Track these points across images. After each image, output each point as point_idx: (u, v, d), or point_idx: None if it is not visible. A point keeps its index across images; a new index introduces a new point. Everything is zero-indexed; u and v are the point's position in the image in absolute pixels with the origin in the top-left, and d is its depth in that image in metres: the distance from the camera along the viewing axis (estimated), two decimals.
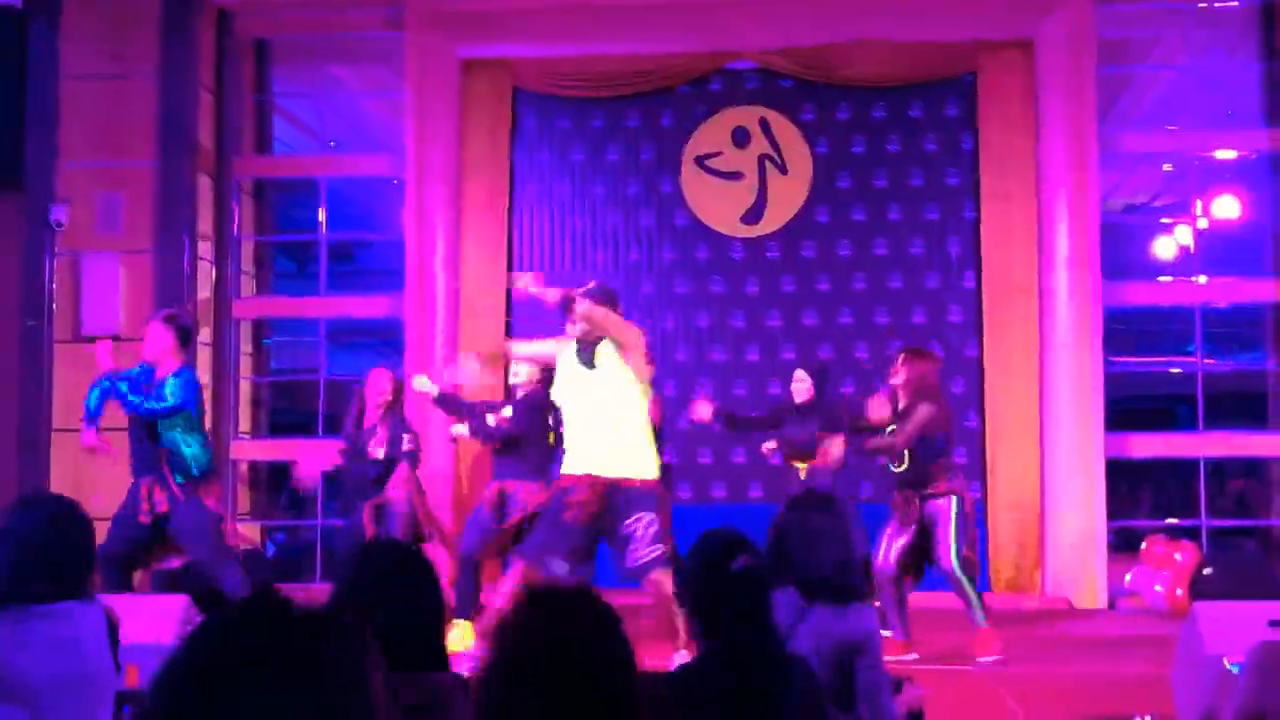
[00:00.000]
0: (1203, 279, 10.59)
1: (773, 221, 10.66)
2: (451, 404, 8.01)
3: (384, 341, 14.94)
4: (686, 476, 10.29)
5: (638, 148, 10.84)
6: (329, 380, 11.01)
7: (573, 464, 6.07)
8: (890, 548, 7.36)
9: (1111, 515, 10.02)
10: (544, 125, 10.94)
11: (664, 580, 5.71)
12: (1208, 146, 10.87)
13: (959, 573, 7.19)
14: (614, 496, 5.94)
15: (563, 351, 6.23)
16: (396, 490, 7.76)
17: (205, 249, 10.57)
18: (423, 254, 10.48)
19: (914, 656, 7.07)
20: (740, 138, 10.73)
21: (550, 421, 7.56)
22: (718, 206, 10.71)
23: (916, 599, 7.57)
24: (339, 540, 8.59)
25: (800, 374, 8.16)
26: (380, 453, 7.77)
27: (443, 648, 2.72)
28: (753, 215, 10.69)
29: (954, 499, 7.28)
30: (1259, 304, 10.73)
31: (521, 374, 7.90)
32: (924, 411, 7.24)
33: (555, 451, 7.10)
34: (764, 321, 10.56)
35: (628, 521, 5.89)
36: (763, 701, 2.97)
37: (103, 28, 10.24)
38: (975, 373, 10.24)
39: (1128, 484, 12.70)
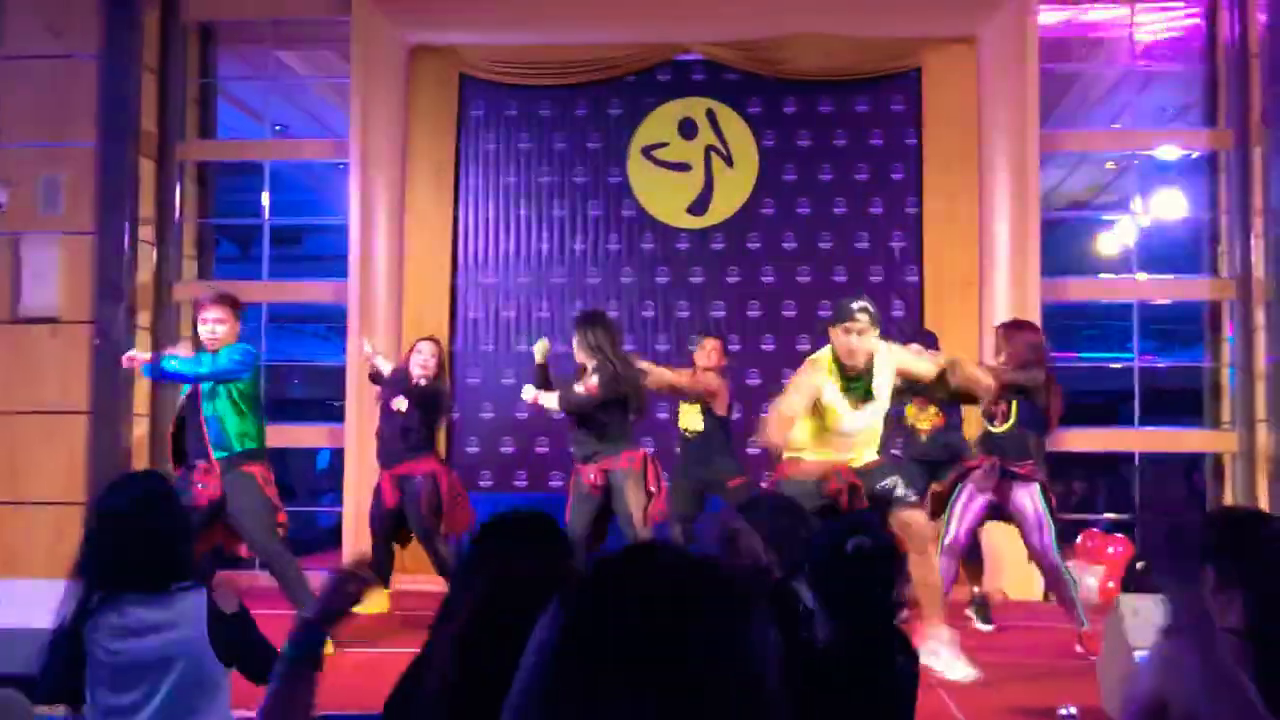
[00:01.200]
0: (1142, 276, 10.72)
1: (719, 213, 10.69)
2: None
3: (329, 327, 14.88)
4: (489, 465, 10.48)
5: (585, 137, 10.85)
6: (270, 365, 10.94)
7: None
8: (965, 518, 7.38)
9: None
10: (491, 113, 10.92)
11: None
12: (1149, 145, 11.00)
13: (1062, 564, 7.21)
14: None
15: None
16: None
17: (146, 232, 10.48)
18: (366, 239, 10.45)
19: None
20: (687, 129, 10.76)
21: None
22: (664, 197, 10.74)
23: None
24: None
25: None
26: (402, 405, 8.24)
27: None
28: (699, 206, 10.73)
29: (1039, 487, 7.32)
30: (1197, 302, 10.87)
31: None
32: (1036, 374, 7.30)
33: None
34: (708, 312, 10.60)
35: None
36: (876, 685, 3.00)
37: (45, 7, 10.13)
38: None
39: (1067, 478, 12.82)
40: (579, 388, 7.59)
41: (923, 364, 6.57)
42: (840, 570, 3.06)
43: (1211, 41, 10.67)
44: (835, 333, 6.28)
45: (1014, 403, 7.31)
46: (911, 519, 6.18)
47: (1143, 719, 2.56)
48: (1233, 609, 2.65)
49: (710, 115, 10.75)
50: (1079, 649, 7.12)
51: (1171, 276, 10.90)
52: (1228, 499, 10.24)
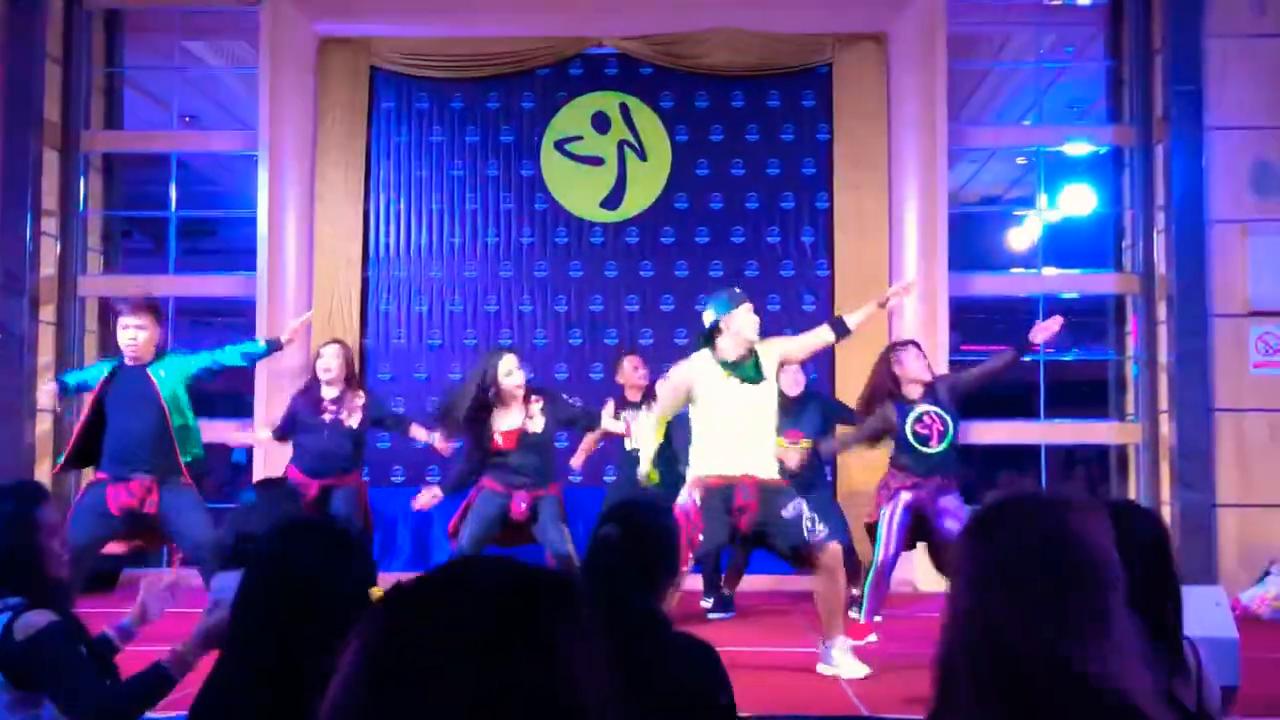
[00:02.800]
0: (1048, 271, 10.87)
1: (632, 207, 10.70)
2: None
3: (237, 322, 14.69)
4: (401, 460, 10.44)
5: (497, 130, 10.80)
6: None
7: None
8: (898, 533, 7.31)
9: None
10: (402, 105, 10.85)
11: None
12: (1054, 141, 11.15)
13: None
14: None
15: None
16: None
17: (50, 224, 10.29)
18: (275, 232, 10.34)
19: (874, 638, 7.10)
20: (600, 123, 10.76)
21: None
22: (578, 191, 10.73)
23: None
24: None
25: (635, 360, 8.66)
26: (355, 421, 8.06)
27: None
28: (612, 200, 10.73)
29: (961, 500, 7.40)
30: (1103, 296, 11.06)
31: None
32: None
33: None
34: (622, 306, 10.61)
35: None
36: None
37: None
38: (827, 360, 10.37)
39: (977, 471, 12.99)
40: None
41: (790, 343, 6.61)
42: (594, 558, 3.14)
43: (1116, 38, 10.85)
44: (740, 315, 6.27)
45: (951, 422, 7.33)
46: (829, 554, 6.16)
47: None
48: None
49: (623, 109, 10.75)
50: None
51: (1077, 271, 11.06)
52: (1132, 489, 10.43)
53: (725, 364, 6.27)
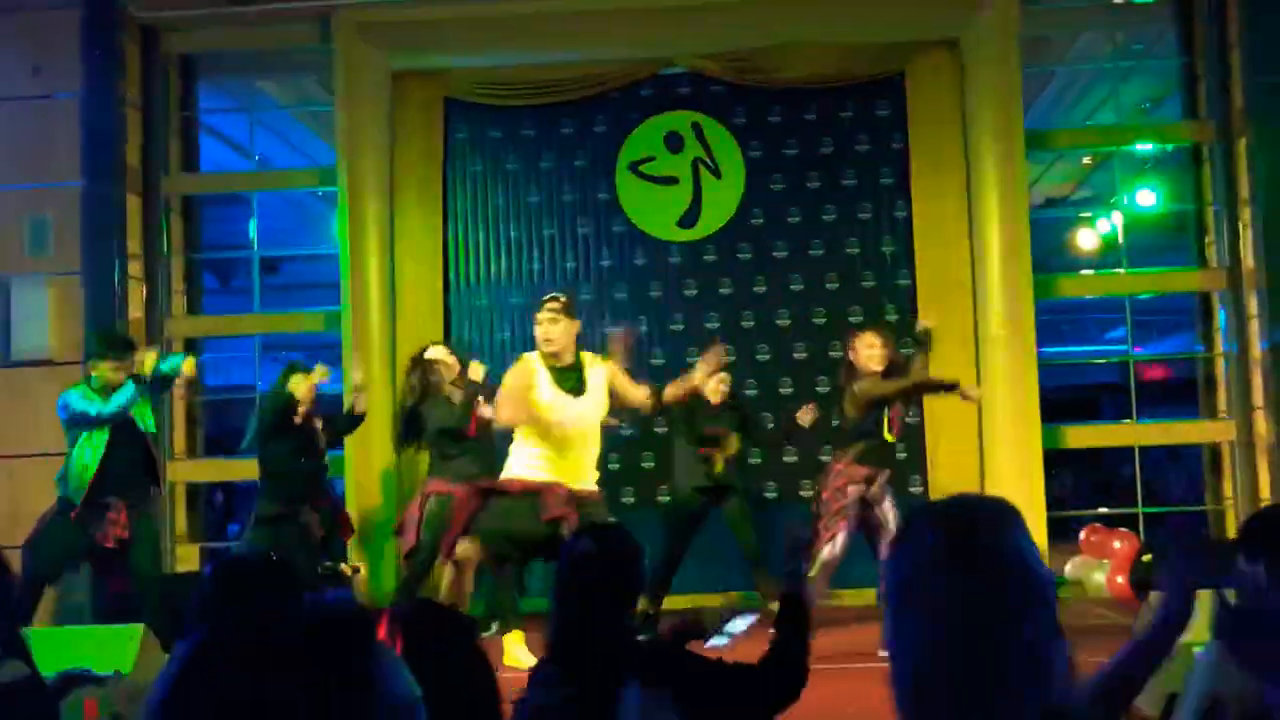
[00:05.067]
0: (1130, 271, 10.80)
1: (709, 225, 10.71)
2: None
3: (316, 355, 14.78)
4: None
5: (572, 155, 10.84)
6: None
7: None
8: (842, 538, 7.31)
9: (1049, 505, 10.17)
10: (476, 134, 10.91)
11: None
12: (1130, 140, 11.09)
13: None
14: None
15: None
16: None
17: (135, 269, 10.41)
18: (357, 267, 10.39)
19: None
20: (674, 142, 10.78)
21: None
22: (654, 212, 10.75)
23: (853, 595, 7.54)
24: None
25: (724, 376, 8.63)
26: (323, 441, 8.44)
27: None
28: (688, 219, 10.74)
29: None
30: (1181, 294, 10.98)
31: None
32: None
33: None
34: (703, 324, 10.60)
35: None
36: None
37: (24, 48, 10.05)
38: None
39: (1058, 473, 12.92)
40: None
41: (636, 391, 6.60)
42: (570, 575, 3.17)
43: (1187, 35, 10.77)
44: (537, 319, 6.45)
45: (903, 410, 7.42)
46: None
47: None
48: None
49: (696, 128, 10.77)
50: None
51: (1160, 269, 10.97)
52: (1227, 489, 10.32)
53: (552, 368, 6.31)
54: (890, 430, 7.41)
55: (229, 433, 11.56)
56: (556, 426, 6.23)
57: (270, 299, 12.47)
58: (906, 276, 10.53)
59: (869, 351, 7.51)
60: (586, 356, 6.41)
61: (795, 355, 10.52)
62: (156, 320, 10.59)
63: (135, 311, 10.39)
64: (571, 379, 6.25)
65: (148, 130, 10.63)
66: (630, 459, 10.32)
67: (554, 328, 6.25)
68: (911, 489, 10.27)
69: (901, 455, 10.18)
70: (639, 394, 6.58)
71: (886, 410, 7.43)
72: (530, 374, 6.34)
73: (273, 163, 12.31)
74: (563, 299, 6.45)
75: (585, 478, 6.29)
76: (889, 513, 7.34)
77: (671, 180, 10.76)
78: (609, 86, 10.75)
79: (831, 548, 7.27)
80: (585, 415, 6.27)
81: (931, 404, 10.25)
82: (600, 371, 6.37)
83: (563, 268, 10.75)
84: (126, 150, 10.30)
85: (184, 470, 10.88)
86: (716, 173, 10.73)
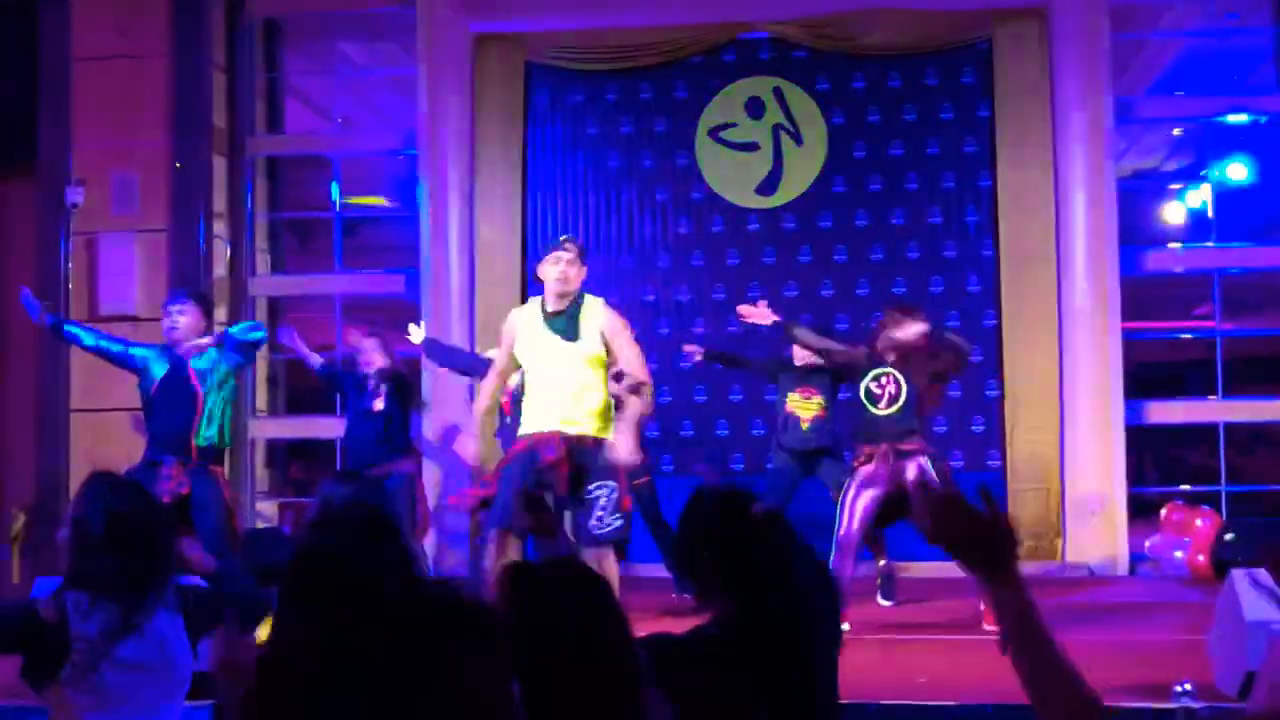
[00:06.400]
0: (1219, 244, 10.57)
1: (788, 193, 10.63)
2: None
3: (397, 317, 14.88)
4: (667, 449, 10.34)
5: (652, 120, 10.80)
6: (345, 356, 10.99)
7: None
8: (857, 511, 7.11)
9: (1130, 481, 10.03)
10: (557, 99, 10.90)
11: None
12: (1219, 111, 10.84)
13: None
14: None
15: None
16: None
17: (220, 227, 10.56)
18: (437, 231, 10.45)
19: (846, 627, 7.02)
20: (754, 109, 10.70)
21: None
22: (733, 178, 10.69)
23: (918, 568, 7.46)
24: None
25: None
26: (379, 404, 8.28)
27: None
28: (768, 186, 10.66)
29: (928, 458, 7.15)
30: (1272, 269, 10.73)
31: None
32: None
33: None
34: (781, 293, 10.50)
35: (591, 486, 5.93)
36: (795, 654, 2.93)
37: (113, 9, 10.20)
38: (994, 341, 10.22)
39: (1145, 449, 12.71)
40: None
41: (630, 347, 6.13)
42: (740, 539, 2.95)
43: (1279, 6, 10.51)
44: (545, 268, 6.08)
45: (904, 384, 7.18)
46: (602, 562, 5.66)
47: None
48: None
49: (778, 94, 10.67)
50: (987, 626, 6.85)
51: (1251, 244, 10.73)
52: None
53: (545, 314, 6.08)
54: (876, 404, 7.25)
55: (309, 392, 11.72)
56: (542, 369, 6.06)
57: (351, 260, 12.56)
58: (990, 247, 10.38)
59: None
60: (588, 302, 6.11)
61: (874, 325, 10.40)
62: (240, 279, 10.73)
63: (219, 270, 10.54)
64: (562, 322, 6.12)
65: (233, 91, 10.75)
66: (668, 426, 10.30)
67: (572, 269, 6.03)
68: (990, 463, 10.18)
69: (979, 430, 10.17)
70: (628, 362, 6.17)
71: (866, 382, 7.25)
72: (521, 317, 6.18)
73: (357, 125, 12.38)
74: (579, 244, 6.31)
75: (580, 423, 6.13)
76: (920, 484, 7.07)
77: (752, 146, 10.68)
78: (690, 51, 10.69)
79: (841, 527, 7.15)
80: (574, 357, 6.01)
81: (1012, 377, 10.15)
82: (598, 318, 6.16)
83: (640, 234, 10.73)
84: (212, 110, 10.43)
85: (265, 428, 11.04)
86: (798, 139, 10.64)
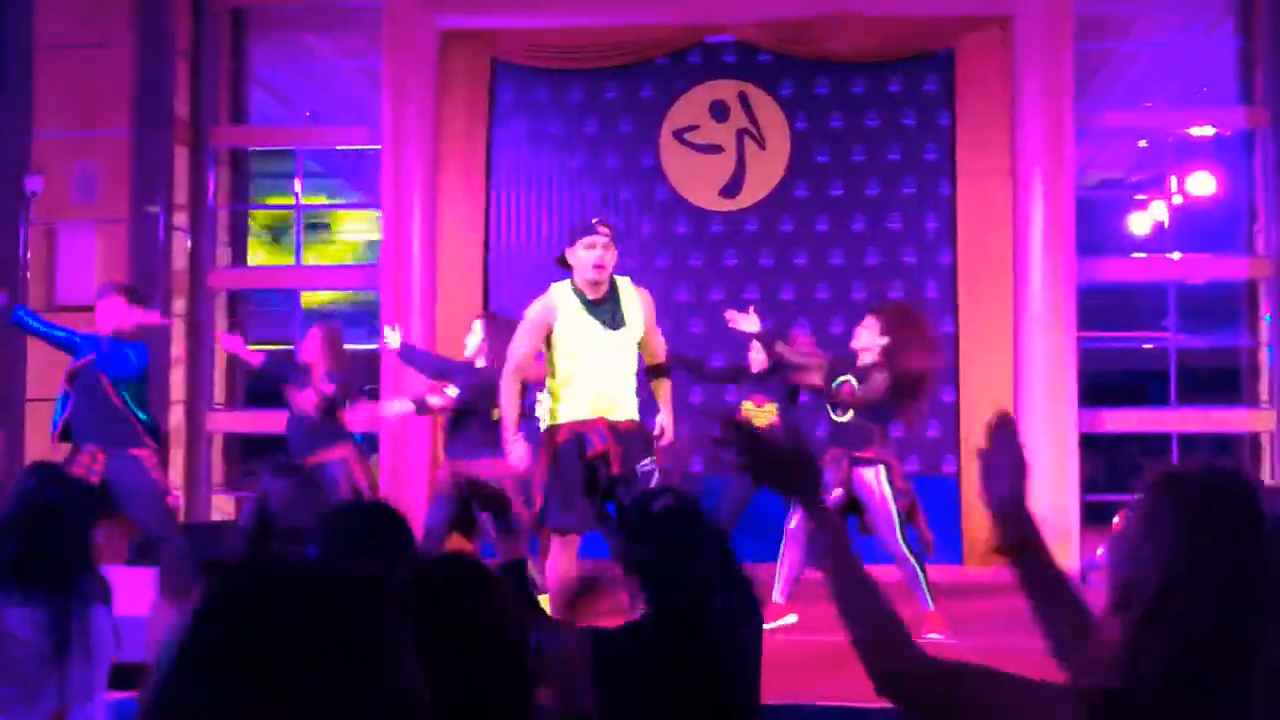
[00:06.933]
0: (1177, 255, 10.66)
1: (751, 195, 10.66)
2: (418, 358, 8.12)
3: (360, 311, 14.88)
4: None
5: (616, 120, 10.82)
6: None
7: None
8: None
9: (1083, 489, 10.10)
10: (521, 97, 10.91)
11: None
12: (1184, 123, 10.93)
13: (907, 551, 7.13)
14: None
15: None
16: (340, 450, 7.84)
17: (181, 219, 10.52)
18: (399, 225, 10.45)
19: (793, 619, 7.12)
20: (719, 111, 10.73)
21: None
22: (696, 180, 10.72)
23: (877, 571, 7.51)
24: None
25: (756, 345, 8.37)
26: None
27: None
28: (731, 189, 10.70)
29: (883, 468, 7.17)
30: (1233, 281, 10.83)
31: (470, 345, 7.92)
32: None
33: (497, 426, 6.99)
34: (742, 295, 10.53)
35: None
36: (700, 650, 2.99)
37: None
38: (950, 348, 10.25)
39: (1099, 458, 12.80)
40: (433, 399, 7.56)
41: (657, 331, 6.15)
42: (650, 536, 3.06)
43: (1246, 18, 10.59)
44: (576, 253, 5.88)
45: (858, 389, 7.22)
46: None
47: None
48: None
49: (742, 97, 10.71)
50: (930, 635, 6.83)
51: (1207, 255, 10.82)
52: (1266, 478, 10.19)
53: (583, 301, 5.91)
54: (835, 410, 7.27)
55: (268, 385, 11.68)
56: (589, 358, 5.90)
57: (316, 255, 12.55)
58: (948, 255, 10.44)
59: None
60: (623, 285, 5.99)
61: (833, 330, 10.44)
62: (200, 271, 10.70)
63: (179, 262, 10.51)
64: (606, 309, 6.00)
65: (197, 81, 10.71)
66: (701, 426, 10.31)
67: (608, 254, 5.82)
68: (945, 469, 10.24)
69: (935, 435, 10.22)
70: (658, 343, 6.25)
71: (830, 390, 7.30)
72: (558, 305, 5.94)
73: (322, 118, 12.37)
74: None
75: (622, 408, 6.06)
76: (866, 495, 7.18)
77: (716, 149, 10.71)
78: (656, 53, 10.71)
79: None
80: (620, 344, 5.91)
81: (967, 384, 10.20)
82: (640, 303, 6.07)
83: None
84: (175, 100, 10.39)
85: (222, 421, 11.01)
86: (761, 143, 10.67)
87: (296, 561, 1.23)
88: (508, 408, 6.14)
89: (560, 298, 5.95)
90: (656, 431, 6.16)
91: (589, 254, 5.80)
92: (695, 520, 3.14)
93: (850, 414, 7.20)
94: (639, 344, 6.05)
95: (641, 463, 5.88)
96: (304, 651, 1.10)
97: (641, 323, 5.98)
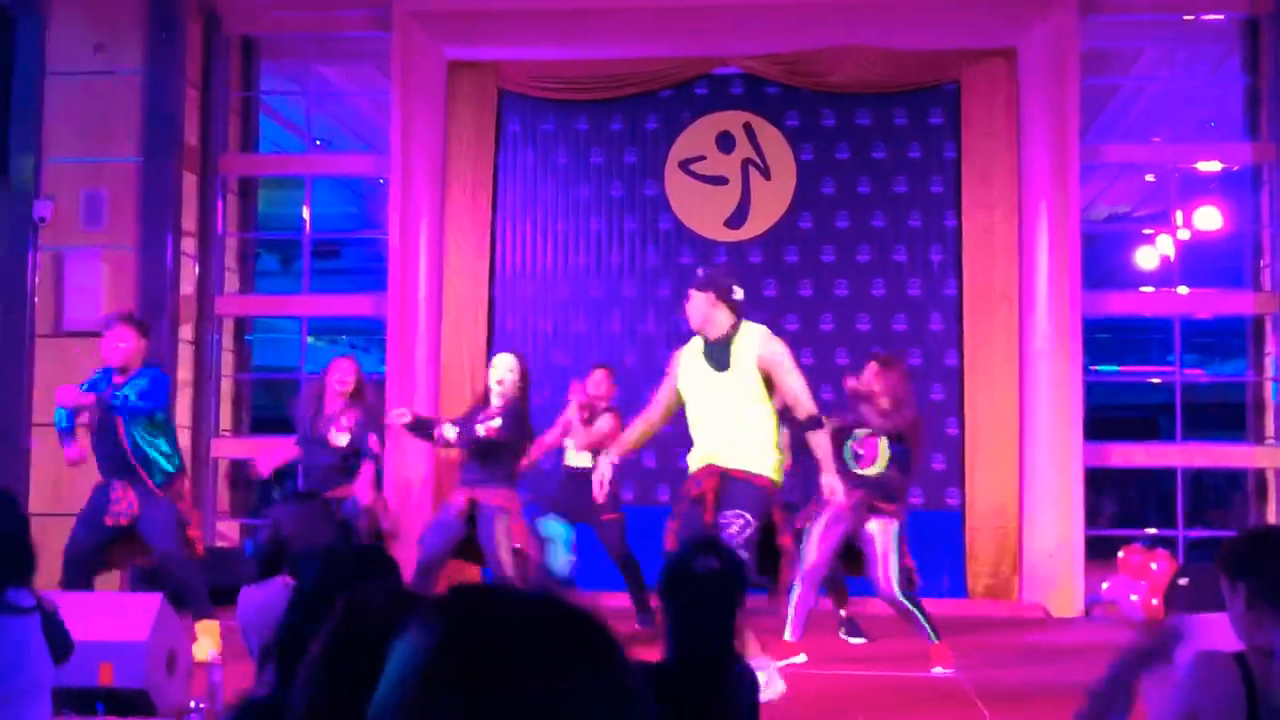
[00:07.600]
0: (1183, 290, 10.66)
1: (756, 226, 10.69)
2: (423, 428, 7.86)
3: (367, 339, 14.95)
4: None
5: (622, 151, 10.86)
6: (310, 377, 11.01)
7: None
8: (823, 545, 7.17)
9: (1089, 524, 10.07)
10: (528, 127, 10.96)
11: None
12: (1190, 159, 10.94)
13: (901, 598, 7.14)
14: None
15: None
16: (362, 489, 7.68)
17: (189, 245, 10.57)
18: (406, 253, 10.50)
19: (803, 658, 7.09)
20: (724, 142, 10.76)
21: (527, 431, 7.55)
22: (701, 210, 10.74)
23: (876, 604, 7.56)
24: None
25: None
26: (343, 440, 7.66)
27: None
28: (736, 219, 10.72)
29: (896, 523, 7.21)
30: (1240, 316, 10.82)
31: (507, 382, 7.75)
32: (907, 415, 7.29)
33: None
34: None
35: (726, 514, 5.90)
36: (727, 711, 3.01)
37: (89, 24, 10.23)
38: (955, 381, 10.28)
39: (1106, 493, 12.77)
40: (480, 429, 7.44)
41: (792, 378, 6.01)
42: (686, 589, 3.10)
43: (1253, 55, 10.61)
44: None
45: (885, 445, 7.24)
46: None
47: None
48: (1262, 628, 2.68)
49: (747, 129, 10.74)
50: (935, 669, 6.89)
51: (1214, 290, 10.82)
52: (1271, 514, 10.15)
53: (705, 343, 6.04)
54: (858, 464, 7.24)
55: (276, 412, 11.72)
56: (693, 402, 6.02)
57: (331, 281, 12.61)
58: (953, 287, 10.45)
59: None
60: (744, 329, 6.01)
61: (838, 361, 10.44)
62: (207, 298, 10.75)
63: (187, 288, 10.55)
64: (717, 352, 6.00)
65: (207, 109, 10.78)
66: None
67: (688, 306, 6.09)
68: (949, 501, 10.22)
69: (939, 468, 10.20)
70: (793, 395, 6.02)
71: (850, 443, 7.31)
72: (687, 350, 6.12)
73: (331, 147, 12.44)
74: (699, 276, 6.24)
75: (733, 456, 5.97)
76: (869, 546, 7.22)
77: (721, 180, 10.74)
78: (662, 84, 10.76)
79: (806, 560, 7.22)
80: (721, 388, 5.91)
81: (972, 417, 10.19)
82: (752, 346, 5.99)
83: (608, 263, 10.77)
84: (185, 128, 10.45)
85: (228, 447, 11.03)
86: (766, 174, 10.70)
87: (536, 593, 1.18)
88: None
89: (692, 342, 6.14)
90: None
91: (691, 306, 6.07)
92: (737, 584, 3.18)
93: (877, 466, 7.23)
94: (765, 390, 5.98)
95: (724, 513, 5.84)
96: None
97: (752, 368, 5.93)
